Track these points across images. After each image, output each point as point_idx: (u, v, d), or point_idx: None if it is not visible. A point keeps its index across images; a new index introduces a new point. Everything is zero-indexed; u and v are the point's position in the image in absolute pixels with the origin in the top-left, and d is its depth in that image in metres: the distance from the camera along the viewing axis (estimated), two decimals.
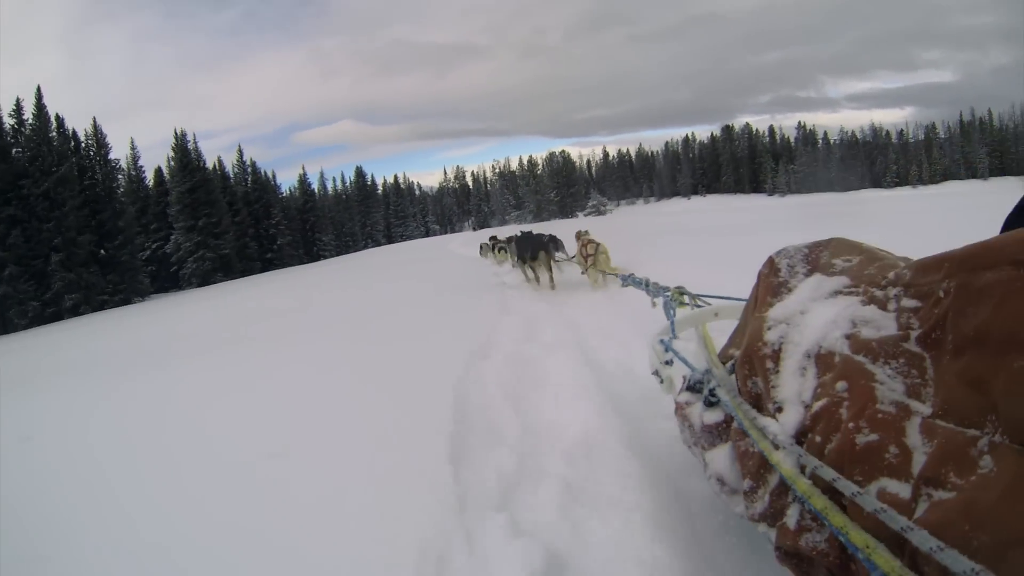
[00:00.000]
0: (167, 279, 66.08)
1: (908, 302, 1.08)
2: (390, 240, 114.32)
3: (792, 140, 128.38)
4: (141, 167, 69.73)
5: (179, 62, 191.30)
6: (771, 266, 1.82)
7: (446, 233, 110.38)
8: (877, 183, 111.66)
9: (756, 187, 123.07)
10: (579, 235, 11.01)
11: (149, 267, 65.80)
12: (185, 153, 66.75)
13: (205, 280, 63.92)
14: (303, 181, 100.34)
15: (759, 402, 1.63)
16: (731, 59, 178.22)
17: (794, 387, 1.43)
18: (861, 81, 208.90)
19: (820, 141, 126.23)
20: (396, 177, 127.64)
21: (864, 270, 1.49)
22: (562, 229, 14.87)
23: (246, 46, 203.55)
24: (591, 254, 9.67)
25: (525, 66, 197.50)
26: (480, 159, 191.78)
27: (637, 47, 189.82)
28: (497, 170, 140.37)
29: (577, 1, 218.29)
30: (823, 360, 1.35)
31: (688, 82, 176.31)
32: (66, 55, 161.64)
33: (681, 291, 4.09)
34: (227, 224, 67.41)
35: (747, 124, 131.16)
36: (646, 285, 5.51)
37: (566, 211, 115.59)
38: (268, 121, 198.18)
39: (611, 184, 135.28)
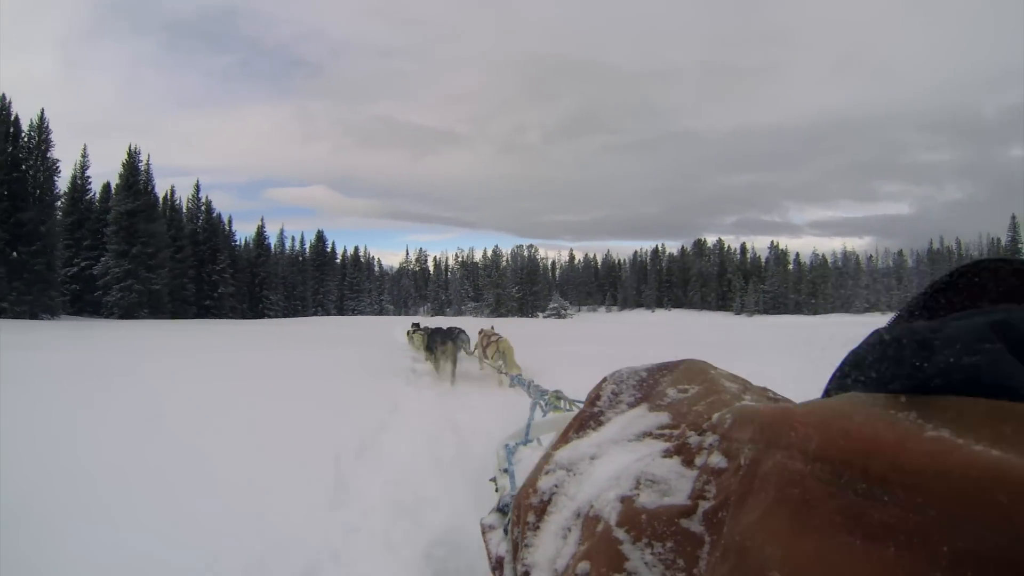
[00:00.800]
0: (89, 303, 59.16)
1: (716, 459, 0.83)
2: (340, 311, 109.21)
3: (763, 260, 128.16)
4: (88, 177, 65.38)
5: (168, 94, 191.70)
6: (595, 391, 1.42)
7: (401, 315, 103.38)
8: (847, 307, 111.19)
9: (723, 305, 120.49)
10: (482, 332, 11.90)
11: (72, 285, 59.24)
12: (134, 172, 61.43)
13: (128, 313, 57.51)
14: (260, 233, 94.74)
15: (515, 554, 1.20)
16: (702, 177, 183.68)
17: (550, 551, 1.08)
18: (824, 209, 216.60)
19: (792, 263, 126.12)
20: (357, 249, 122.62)
21: (693, 406, 1.14)
22: (513, 328, 17.21)
23: (235, 93, 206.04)
24: (490, 346, 10.51)
25: (501, 161, 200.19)
26: (444, 246, 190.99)
27: (612, 157, 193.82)
28: (460, 259, 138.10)
29: (562, 105, 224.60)
30: (589, 525, 1.00)
31: (658, 197, 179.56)
32: (62, 60, 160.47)
33: (558, 395, 3.91)
34: (164, 258, 61.37)
35: (719, 240, 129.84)
36: (527, 386, 4.99)
37: (526, 310, 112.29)
38: (243, 170, 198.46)
39: (573, 288, 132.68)
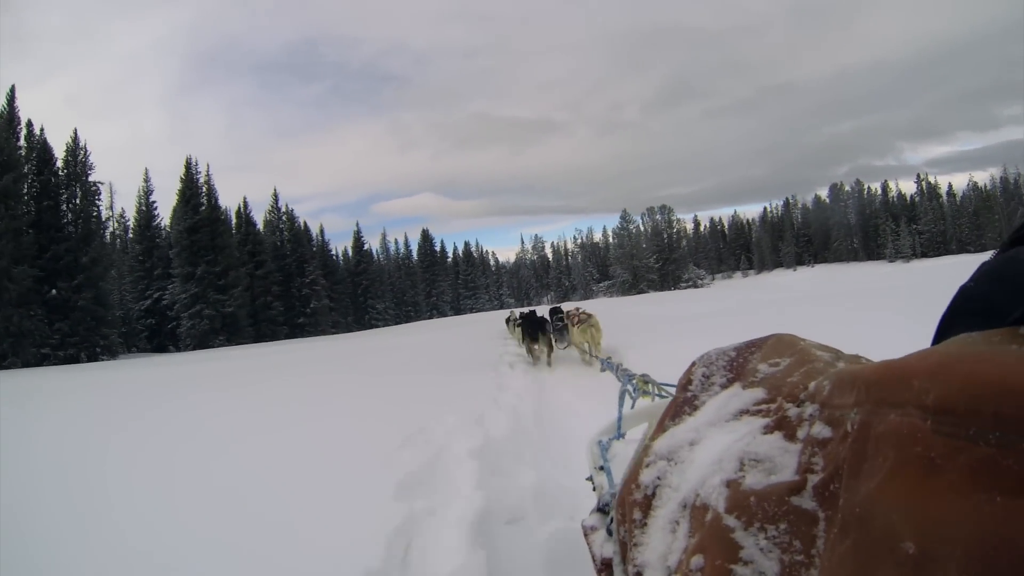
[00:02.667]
0: (168, 336, 53.60)
1: (819, 429, 0.76)
2: (458, 311, 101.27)
3: (910, 198, 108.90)
4: (154, 203, 59.38)
5: (268, 129, 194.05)
6: (686, 376, 1.31)
7: (524, 306, 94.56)
8: None
9: (873, 253, 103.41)
10: (570, 314, 11.69)
11: (147, 320, 53.93)
12: (192, 186, 55.03)
13: (202, 342, 50.93)
14: (357, 240, 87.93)
15: (624, 555, 1.15)
16: (806, 131, 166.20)
17: (660, 548, 1.01)
18: (941, 144, 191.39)
19: (944, 196, 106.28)
20: (468, 245, 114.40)
21: (787, 378, 1.05)
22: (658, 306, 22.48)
23: (331, 117, 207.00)
24: (578, 328, 10.19)
25: (602, 142, 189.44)
26: (558, 235, 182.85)
27: (712, 122, 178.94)
28: (579, 241, 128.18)
29: (652, 76, 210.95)
30: (697, 515, 0.93)
31: (764, 156, 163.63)
32: (166, 117, 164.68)
33: (646, 379, 3.30)
34: (238, 276, 54.39)
35: (858, 181, 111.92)
36: (615, 370, 4.59)
37: (667, 282, 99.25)
38: (350, 190, 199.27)
39: (704, 257, 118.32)
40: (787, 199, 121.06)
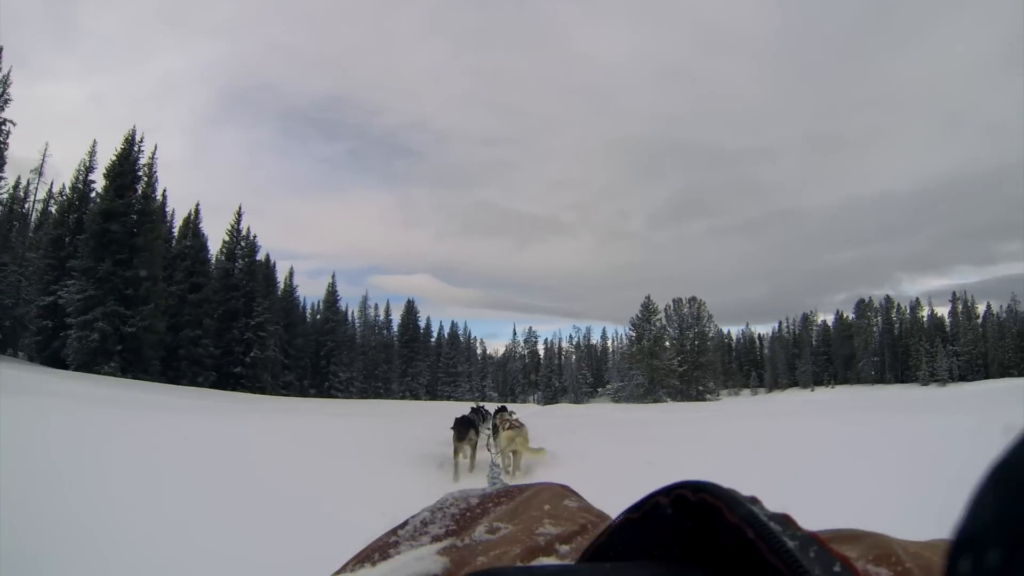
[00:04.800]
0: (61, 345, 39.01)
1: None
2: (433, 396, 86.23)
3: (945, 316, 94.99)
4: (92, 183, 45.10)
5: (281, 179, 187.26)
6: (414, 516, 1.13)
7: (506, 402, 78.85)
8: None
9: (902, 375, 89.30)
10: (502, 417, 10.96)
11: (43, 320, 39.52)
12: (124, 165, 41.62)
13: (86, 362, 36.47)
14: (331, 293, 74.10)
15: None
16: (807, 256, 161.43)
17: None
18: (939, 277, 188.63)
19: (981, 315, 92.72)
20: (455, 326, 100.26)
21: (478, 556, 0.86)
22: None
23: (343, 179, 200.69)
24: (503, 434, 9.39)
25: (606, 249, 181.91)
26: (551, 335, 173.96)
27: (717, 240, 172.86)
28: (575, 341, 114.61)
29: (663, 188, 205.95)
30: None
31: (763, 279, 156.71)
32: (190, 144, 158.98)
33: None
34: (150, 289, 40.47)
35: (888, 298, 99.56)
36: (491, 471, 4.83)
37: (690, 390, 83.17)
38: (350, 257, 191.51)
39: (710, 370, 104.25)
40: (805, 314, 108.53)
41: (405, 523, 1.07)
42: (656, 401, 72.24)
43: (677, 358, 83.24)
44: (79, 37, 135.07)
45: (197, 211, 51.26)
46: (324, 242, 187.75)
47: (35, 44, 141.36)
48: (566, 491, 1.16)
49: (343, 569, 0.92)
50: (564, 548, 0.84)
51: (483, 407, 16.51)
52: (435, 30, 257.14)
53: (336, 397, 64.26)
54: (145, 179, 43.24)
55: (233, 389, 48.57)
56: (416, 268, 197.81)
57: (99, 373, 34.81)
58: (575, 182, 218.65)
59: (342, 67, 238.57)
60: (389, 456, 10.06)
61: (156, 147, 44.91)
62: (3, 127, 36.16)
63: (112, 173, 41.26)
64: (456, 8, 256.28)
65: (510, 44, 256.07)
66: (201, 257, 50.07)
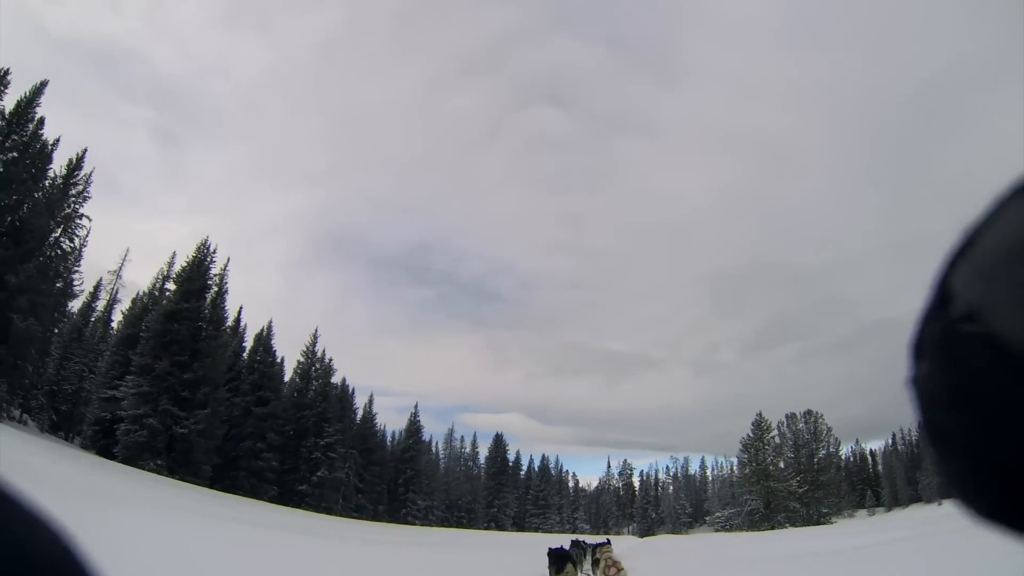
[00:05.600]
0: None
1: None
2: (520, 528, 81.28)
3: None
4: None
5: (370, 320, 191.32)
6: None
7: (599, 534, 72.98)
8: None
9: None
10: (597, 551, 11.25)
11: (103, 414, 40.28)
12: (195, 270, 43.14)
13: (133, 457, 36.15)
14: (413, 421, 72.20)
15: None
16: (903, 367, 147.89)
17: None
18: None
19: None
20: (545, 459, 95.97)
21: None
22: None
23: (433, 321, 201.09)
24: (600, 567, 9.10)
25: (697, 381, 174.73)
26: (647, 467, 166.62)
27: (809, 362, 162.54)
28: (672, 472, 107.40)
29: (750, 316, 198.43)
30: None
31: (861, 396, 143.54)
32: (283, 282, 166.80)
33: None
34: (208, 394, 40.52)
35: None
36: None
37: (811, 513, 71.38)
38: (439, 395, 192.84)
39: (833, 489, 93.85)
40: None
41: None
42: (774, 527, 63.89)
43: (796, 478, 73.72)
44: (186, 181, 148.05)
45: (270, 328, 52.22)
46: (414, 382, 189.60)
47: (146, 185, 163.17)
48: None
49: None
50: None
51: (583, 541, 16.44)
52: (514, 177, 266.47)
53: (412, 524, 61.41)
54: (215, 288, 44.29)
55: (296, 507, 46.90)
56: (506, 408, 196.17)
57: (143, 469, 34.18)
58: (661, 319, 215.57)
59: (429, 214, 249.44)
60: None
61: (229, 260, 46.87)
62: (80, 220, 37.61)
63: (181, 278, 42.66)
64: (532, 154, 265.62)
65: (585, 186, 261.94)
66: (271, 372, 50.21)
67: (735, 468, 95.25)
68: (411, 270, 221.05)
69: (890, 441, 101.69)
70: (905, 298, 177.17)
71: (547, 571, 10.47)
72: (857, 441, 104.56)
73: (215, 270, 44.85)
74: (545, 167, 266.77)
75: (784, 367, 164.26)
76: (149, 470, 34.54)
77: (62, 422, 43.72)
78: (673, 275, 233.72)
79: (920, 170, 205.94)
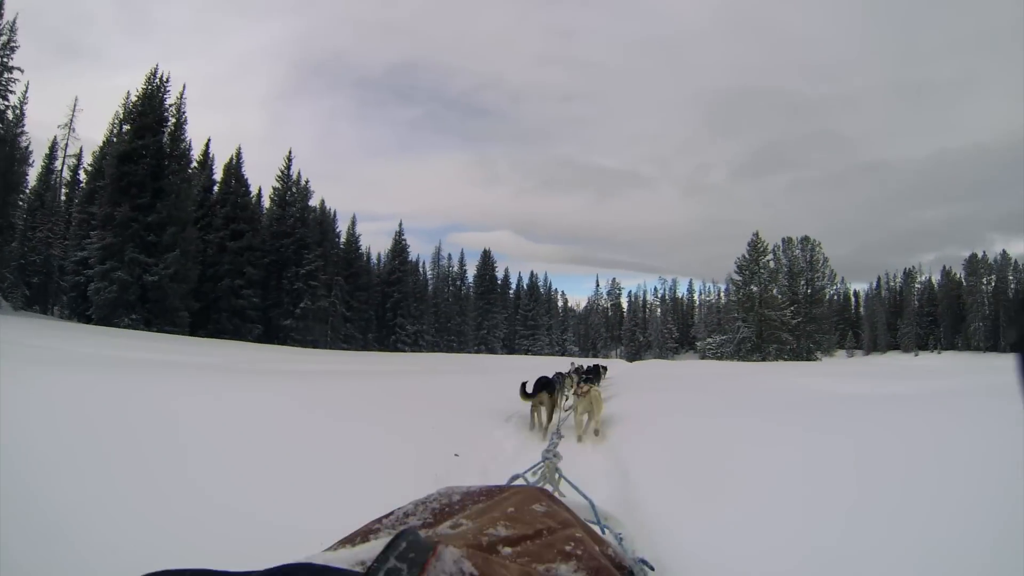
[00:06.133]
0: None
1: None
2: (510, 350, 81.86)
3: None
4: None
5: (359, 145, 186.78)
6: (402, 508, 1.25)
7: (588, 357, 72.17)
8: None
9: None
10: (572, 381, 11.39)
11: (76, 277, 37.98)
12: (148, 105, 38.36)
13: (107, 315, 33.42)
14: (398, 242, 69.54)
15: None
16: (895, 213, 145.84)
17: None
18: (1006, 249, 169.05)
19: None
20: (534, 276, 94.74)
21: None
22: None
23: (420, 142, 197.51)
24: (581, 395, 8.69)
25: (686, 203, 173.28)
26: (635, 288, 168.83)
27: (799, 194, 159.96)
28: (660, 294, 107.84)
29: (745, 140, 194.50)
30: None
31: (847, 236, 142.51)
32: (267, 117, 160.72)
33: (553, 466, 3.42)
34: (175, 235, 36.85)
35: (1004, 253, 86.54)
36: (550, 444, 4.17)
37: (801, 347, 68.74)
38: (429, 216, 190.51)
39: (825, 324, 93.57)
40: (906, 268, 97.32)
41: (391, 512, 1.17)
42: (765, 359, 62.25)
43: (790, 307, 69.81)
44: (152, 28, 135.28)
45: (239, 156, 47.55)
46: (403, 204, 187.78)
47: (109, 39, 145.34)
48: (541, 495, 1.21)
49: (330, 548, 0.98)
50: (507, 550, 0.87)
51: (580, 367, 16.15)
52: None
53: (402, 351, 60.76)
54: (173, 120, 39.58)
55: (283, 343, 45.38)
56: (495, 225, 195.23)
57: (118, 326, 31.86)
58: (654, 136, 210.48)
59: (413, 32, 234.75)
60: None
61: (184, 87, 41.34)
62: (10, 73, 33.11)
63: (132, 114, 37.88)
64: None
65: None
66: (243, 203, 46.32)
67: (723, 294, 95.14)
68: (397, 90, 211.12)
69: (875, 284, 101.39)
70: (902, 143, 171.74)
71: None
72: (843, 280, 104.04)
73: (171, 100, 39.82)
74: None
75: (774, 196, 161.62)
76: (124, 326, 32.17)
77: (36, 296, 40.86)
78: (666, 93, 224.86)
79: (934, 14, 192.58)
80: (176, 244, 36.69)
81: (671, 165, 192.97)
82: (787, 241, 75.16)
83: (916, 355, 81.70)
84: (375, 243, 73.04)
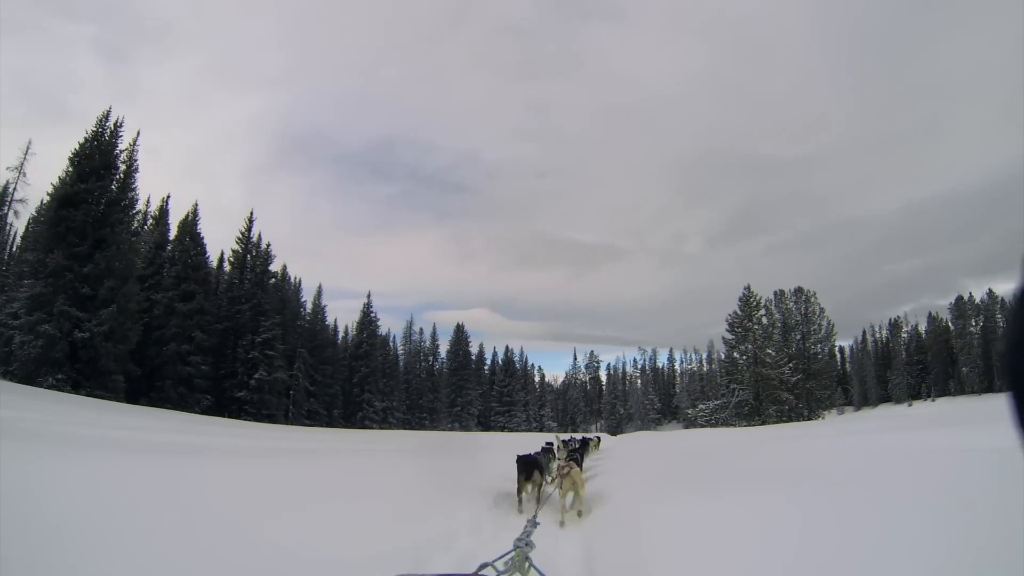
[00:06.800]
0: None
1: None
2: (486, 427, 77.58)
3: None
4: None
5: (337, 221, 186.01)
6: None
7: (568, 431, 67.81)
8: None
9: None
10: (557, 460, 10.15)
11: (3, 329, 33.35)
12: (95, 146, 35.65)
13: (30, 374, 29.50)
14: (366, 314, 65.98)
15: None
16: (868, 268, 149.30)
17: None
18: (1008, 280, 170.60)
19: None
20: (509, 351, 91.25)
21: None
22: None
23: (397, 219, 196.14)
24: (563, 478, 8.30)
25: (664, 273, 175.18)
26: (614, 360, 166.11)
27: (775, 256, 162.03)
28: (640, 365, 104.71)
29: (719, 206, 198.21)
30: None
31: (825, 295, 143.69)
32: (246, 189, 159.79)
33: (524, 556, 3.39)
34: (114, 289, 33.34)
35: (990, 292, 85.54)
36: (523, 533, 4.03)
37: (804, 406, 63.10)
38: (406, 294, 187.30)
39: (826, 380, 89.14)
40: (891, 319, 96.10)
41: None
42: (765, 422, 57.07)
43: (788, 364, 64.08)
44: (139, 96, 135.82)
45: (195, 212, 44.27)
46: (379, 282, 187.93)
47: (97, 103, 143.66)
48: None
49: None
50: None
51: (568, 440, 16.25)
52: (478, 65, 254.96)
53: (369, 428, 56.53)
54: (124, 167, 36.64)
55: (236, 416, 41.20)
56: (471, 303, 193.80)
57: (42, 386, 27.86)
58: (629, 207, 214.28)
59: (391, 107, 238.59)
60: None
61: (138, 134, 38.42)
62: None
63: (77, 156, 34.73)
64: (496, 41, 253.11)
65: (552, 73, 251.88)
66: (196, 263, 42.68)
67: (705, 362, 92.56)
68: (374, 166, 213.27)
69: (860, 338, 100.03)
70: (872, 197, 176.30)
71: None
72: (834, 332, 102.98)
73: (123, 146, 36.95)
74: (510, 54, 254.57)
75: (751, 261, 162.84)
76: (48, 386, 28.19)
77: None
78: (640, 163, 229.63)
79: (898, 67, 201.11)
80: (114, 299, 32.85)
81: (647, 236, 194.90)
82: (779, 294, 71.01)
83: (910, 405, 79.01)
84: (350, 320, 68.44)
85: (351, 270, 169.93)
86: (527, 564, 3.08)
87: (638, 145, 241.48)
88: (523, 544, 3.46)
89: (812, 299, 70.19)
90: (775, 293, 70.73)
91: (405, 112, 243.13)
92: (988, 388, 76.43)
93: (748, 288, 67.13)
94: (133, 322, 34.88)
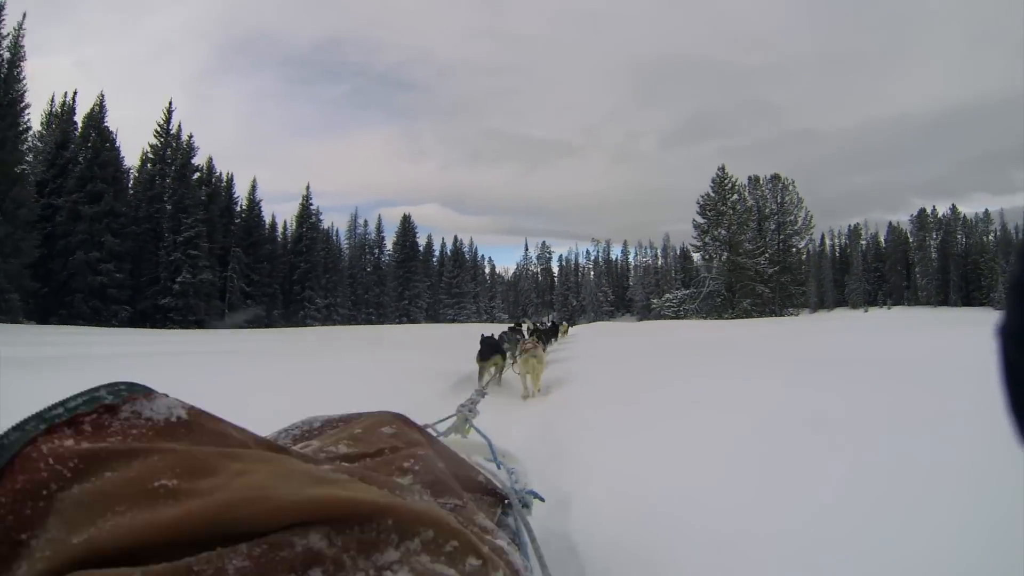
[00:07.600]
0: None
1: None
2: (434, 320, 75.38)
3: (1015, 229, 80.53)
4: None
5: (286, 124, 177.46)
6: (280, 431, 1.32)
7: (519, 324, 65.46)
8: None
9: (972, 298, 75.95)
10: (520, 341, 10.83)
11: None
12: None
13: None
14: (305, 208, 61.73)
15: None
16: (822, 179, 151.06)
17: None
18: (955, 204, 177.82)
19: None
20: (458, 241, 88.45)
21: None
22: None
23: (348, 119, 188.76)
24: (522, 358, 8.55)
25: (616, 171, 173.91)
26: (567, 252, 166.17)
27: (730, 161, 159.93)
28: (593, 257, 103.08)
29: (675, 109, 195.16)
30: None
31: None
32: (191, 97, 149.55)
33: (465, 418, 3.19)
34: (4, 194, 28.69)
35: (953, 208, 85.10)
36: (470, 400, 3.97)
37: (778, 301, 62.17)
38: (358, 193, 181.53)
39: (800, 274, 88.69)
40: (851, 225, 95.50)
41: (301, 426, 1.25)
42: (738, 316, 54.48)
43: (765, 255, 62.15)
44: (67, 9, 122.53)
45: (102, 104, 39.28)
46: (332, 182, 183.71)
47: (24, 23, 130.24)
48: (395, 420, 1.23)
49: None
50: (344, 466, 0.87)
51: (539, 322, 16.90)
52: None
53: (311, 326, 53.88)
54: (7, 55, 31.39)
55: (162, 326, 38.03)
56: (424, 199, 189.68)
57: None
58: (583, 105, 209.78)
59: (339, 5, 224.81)
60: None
61: (24, 15, 32.92)
62: None
63: None
64: None
65: None
66: (103, 160, 38.06)
67: (660, 255, 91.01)
68: (323, 66, 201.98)
69: (818, 243, 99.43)
70: (831, 112, 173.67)
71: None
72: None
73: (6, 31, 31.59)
74: None
75: (704, 163, 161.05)
76: None
77: None
78: (595, 64, 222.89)
79: None
80: (3, 205, 28.75)
81: (600, 134, 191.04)
82: (754, 180, 67.89)
83: (866, 311, 79.33)
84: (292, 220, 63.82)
85: (301, 173, 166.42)
86: (466, 424, 2.93)
87: (593, 45, 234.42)
88: (467, 410, 3.24)
89: (790, 187, 67.32)
90: (749, 179, 68.12)
91: (354, 9, 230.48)
92: (943, 302, 78.29)
93: (722, 168, 64.86)
94: (26, 231, 30.84)
